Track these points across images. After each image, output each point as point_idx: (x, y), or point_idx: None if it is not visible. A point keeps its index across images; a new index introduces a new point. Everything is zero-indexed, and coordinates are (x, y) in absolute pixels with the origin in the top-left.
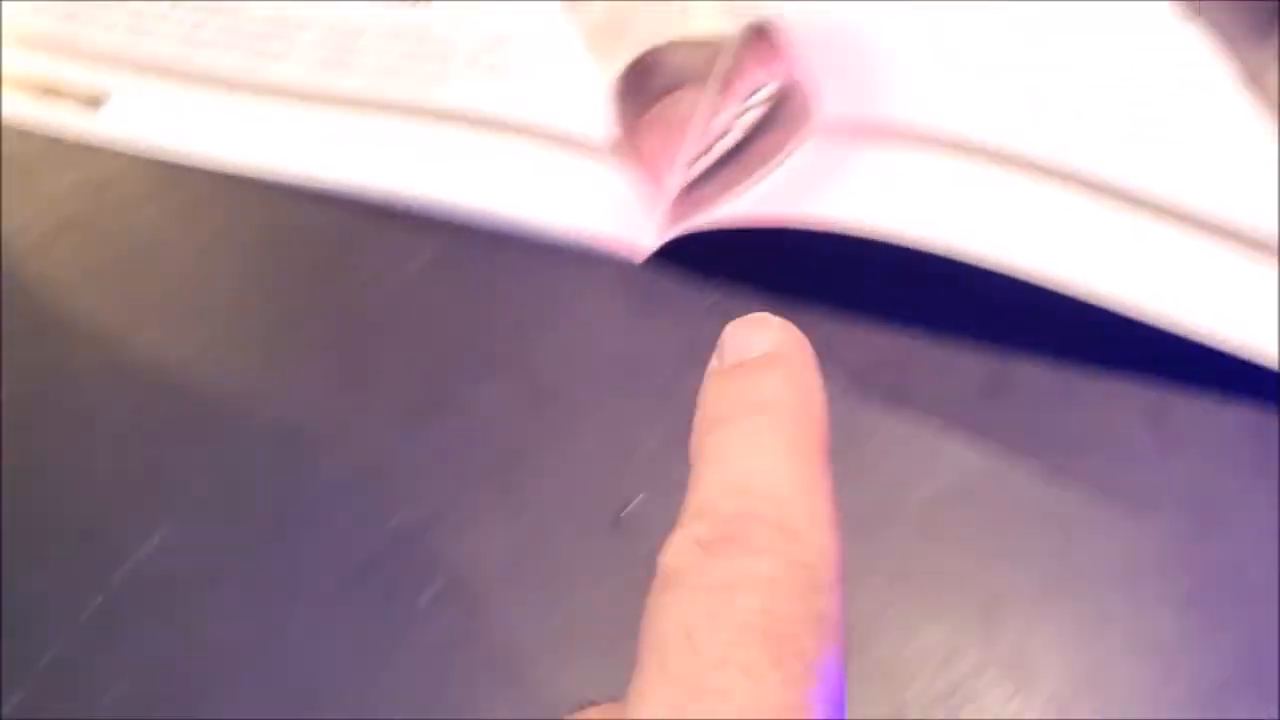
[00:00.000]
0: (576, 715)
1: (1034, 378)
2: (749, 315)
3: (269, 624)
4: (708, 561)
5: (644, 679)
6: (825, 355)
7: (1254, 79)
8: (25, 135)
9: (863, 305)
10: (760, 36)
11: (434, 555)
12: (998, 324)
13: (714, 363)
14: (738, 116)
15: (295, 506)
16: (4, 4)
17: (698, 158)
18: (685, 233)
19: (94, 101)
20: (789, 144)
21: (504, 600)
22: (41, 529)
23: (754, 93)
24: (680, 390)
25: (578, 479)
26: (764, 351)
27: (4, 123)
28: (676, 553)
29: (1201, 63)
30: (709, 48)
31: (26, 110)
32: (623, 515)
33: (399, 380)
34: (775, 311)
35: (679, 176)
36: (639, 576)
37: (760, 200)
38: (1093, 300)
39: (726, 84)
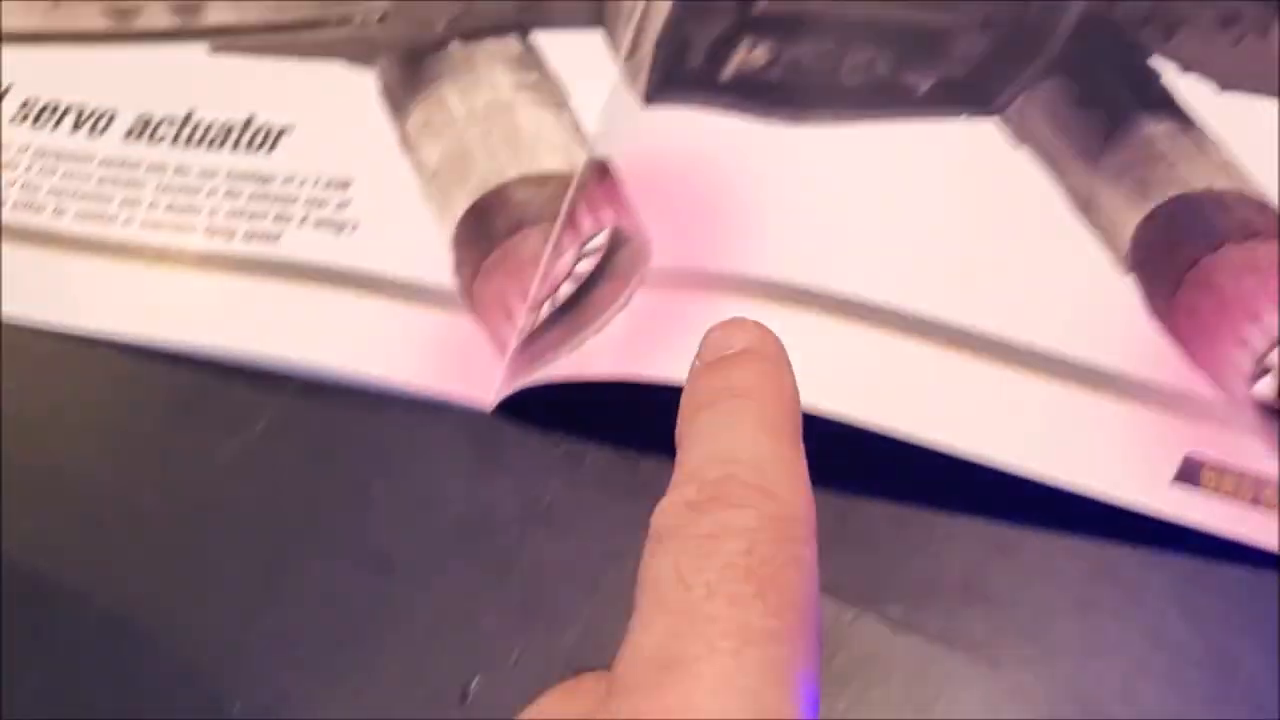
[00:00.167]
0: (571, 682)
1: (875, 519)
2: (728, 319)
3: None
4: (696, 517)
5: (641, 615)
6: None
7: (1085, 204)
8: None
9: None
10: (601, 175)
11: None
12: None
13: (695, 363)
14: (575, 263)
15: (133, 699)
16: None
17: (541, 302)
18: (525, 387)
19: None
20: (623, 294)
21: None
22: None
23: (590, 239)
24: (522, 559)
25: (421, 654)
26: (742, 348)
27: None
28: (667, 513)
29: (1033, 189)
30: (552, 183)
31: None
32: (467, 691)
33: (236, 559)
34: (624, 458)
35: (522, 324)
36: None
37: (597, 354)
38: (927, 445)
39: (570, 220)
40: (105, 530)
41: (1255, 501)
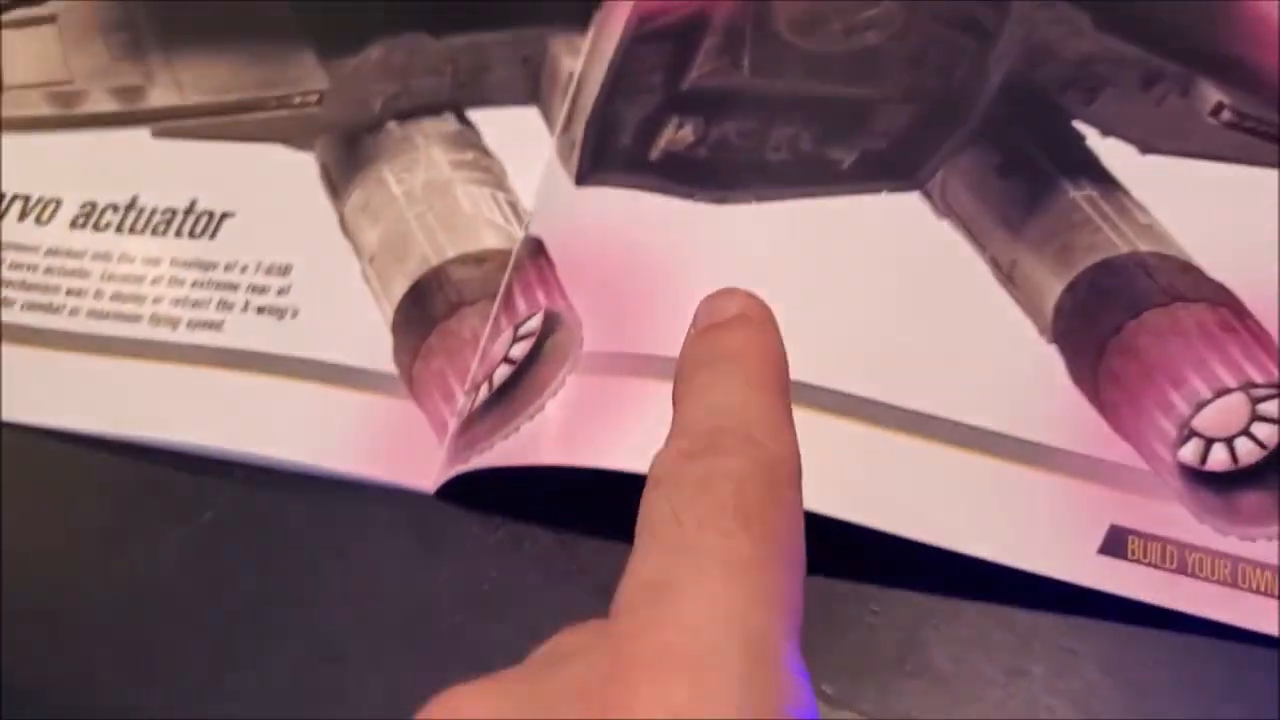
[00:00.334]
0: (564, 633)
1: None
2: (720, 289)
3: None
4: (690, 464)
5: (639, 552)
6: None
7: (1008, 274)
8: None
9: None
10: (535, 255)
11: None
12: None
13: (690, 331)
14: (510, 346)
15: None
16: None
17: (479, 384)
18: (461, 473)
19: None
20: (556, 380)
21: None
22: None
23: (525, 320)
24: (463, 642)
25: None
26: (734, 314)
27: None
28: (664, 462)
29: (957, 261)
30: (490, 261)
31: None
32: None
33: (186, 649)
34: (562, 541)
35: (461, 405)
36: None
37: (532, 441)
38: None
39: (507, 300)
40: (54, 621)
41: (1180, 569)
